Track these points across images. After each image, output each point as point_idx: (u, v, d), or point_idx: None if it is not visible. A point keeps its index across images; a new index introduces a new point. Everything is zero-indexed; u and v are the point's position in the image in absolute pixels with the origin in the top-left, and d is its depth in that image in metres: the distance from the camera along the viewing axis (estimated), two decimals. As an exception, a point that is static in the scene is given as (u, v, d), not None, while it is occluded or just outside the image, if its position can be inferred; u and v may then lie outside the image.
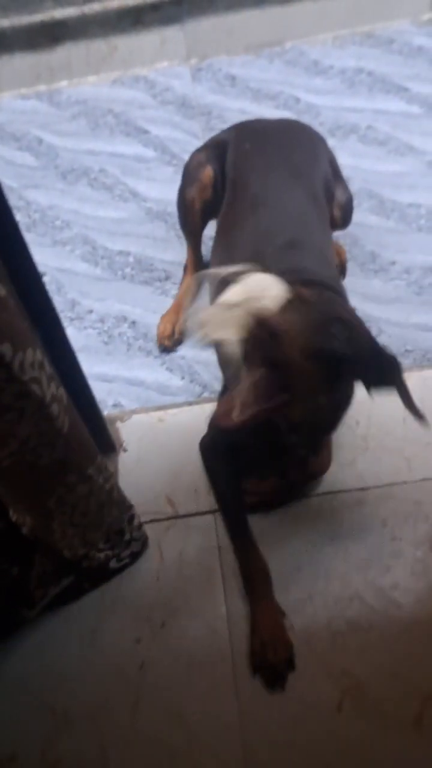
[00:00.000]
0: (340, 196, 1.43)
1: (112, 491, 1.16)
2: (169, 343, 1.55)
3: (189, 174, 1.52)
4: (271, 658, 1.12)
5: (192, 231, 1.57)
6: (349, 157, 1.83)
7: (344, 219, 1.48)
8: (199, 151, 1.53)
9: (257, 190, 1.33)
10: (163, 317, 1.58)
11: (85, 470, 1.07)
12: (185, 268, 1.64)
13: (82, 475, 1.07)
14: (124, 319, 1.63)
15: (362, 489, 1.29)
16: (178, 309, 1.58)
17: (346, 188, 1.46)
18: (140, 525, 1.26)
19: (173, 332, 1.55)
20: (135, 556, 1.26)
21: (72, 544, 1.14)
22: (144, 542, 1.27)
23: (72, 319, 1.63)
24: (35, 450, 0.94)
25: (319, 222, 1.32)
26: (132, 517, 1.24)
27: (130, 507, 1.24)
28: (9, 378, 0.84)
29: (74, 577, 1.19)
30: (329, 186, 1.41)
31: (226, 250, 1.33)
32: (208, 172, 1.47)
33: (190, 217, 1.53)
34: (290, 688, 1.11)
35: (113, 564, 1.24)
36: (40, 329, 1.02)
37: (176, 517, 1.30)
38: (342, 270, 1.60)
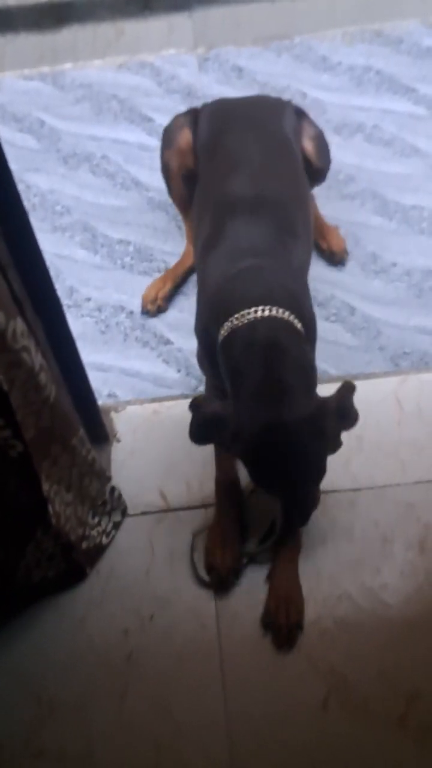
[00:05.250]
0: (308, 129, 1.47)
1: (93, 463, 1.17)
2: (152, 307, 1.59)
3: (167, 136, 1.51)
4: (282, 620, 1.14)
5: (177, 198, 1.56)
6: (354, 156, 1.82)
7: (319, 152, 1.48)
8: (180, 114, 1.52)
9: (228, 150, 1.36)
10: (152, 282, 1.61)
11: (69, 441, 1.07)
12: (185, 250, 1.64)
13: (66, 446, 1.07)
14: (122, 308, 1.62)
15: (355, 490, 1.29)
16: (167, 278, 1.61)
17: (313, 123, 1.50)
18: (120, 495, 1.27)
19: (156, 297, 1.58)
20: (117, 526, 1.27)
21: (72, 526, 1.14)
22: (124, 511, 1.28)
23: (69, 307, 1.62)
24: (23, 421, 0.93)
25: (287, 169, 1.37)
26: (113, 489, 1.25)
27: (110, 478, 1.26)
28: (2, 347, 0.83)
29: (74, 562, 1.18)
30: (297, 129, 1.45)
31: (201, 208, 1.36)
32: (186, 136, 1.47)
33: (173, 183, 1.53)
34: (277, 683, 1.12)
35: (104, 540, 1.25)
36: (42, 315, 1.01)
37: (168, 510, 1.30)
38: (338, 259, 1.62)
